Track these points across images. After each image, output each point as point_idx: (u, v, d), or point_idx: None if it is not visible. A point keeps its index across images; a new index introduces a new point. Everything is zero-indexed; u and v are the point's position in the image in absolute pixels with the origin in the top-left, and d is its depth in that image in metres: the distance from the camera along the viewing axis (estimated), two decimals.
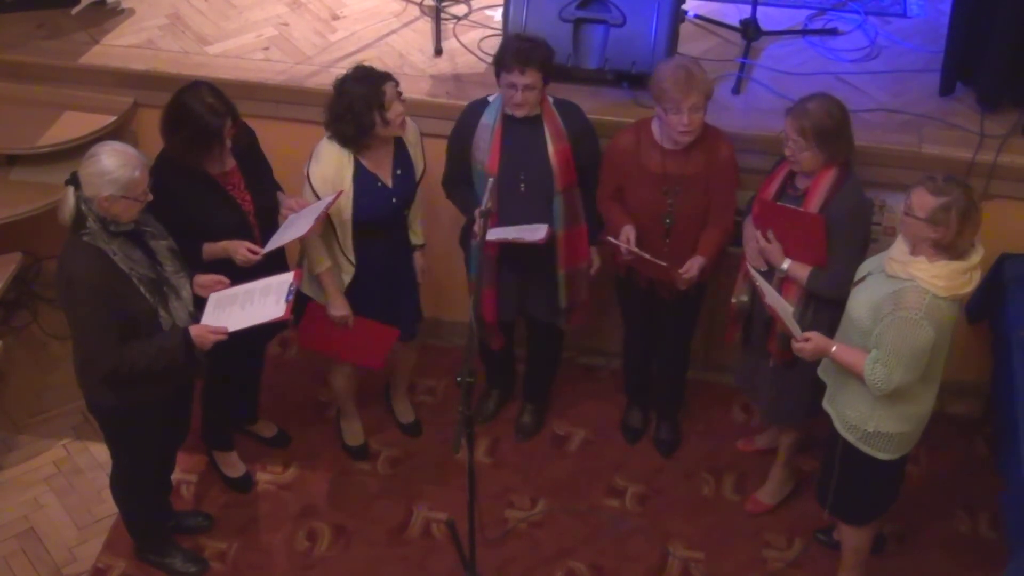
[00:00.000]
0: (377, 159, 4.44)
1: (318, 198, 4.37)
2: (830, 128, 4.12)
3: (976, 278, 3.88)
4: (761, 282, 4.17)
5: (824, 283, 4.21)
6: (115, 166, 3.81)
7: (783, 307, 4.11)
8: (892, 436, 4.05)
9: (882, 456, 4.09)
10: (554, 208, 4.53)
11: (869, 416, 4.03)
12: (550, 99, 4.49)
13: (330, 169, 4.39)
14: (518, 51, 4.33)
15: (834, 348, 4.00)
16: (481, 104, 4.53)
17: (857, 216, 4.23)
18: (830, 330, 4.11)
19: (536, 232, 4.41)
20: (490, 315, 4.76)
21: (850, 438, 4.10)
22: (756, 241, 4.31)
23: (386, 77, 4.33)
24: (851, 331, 4.02)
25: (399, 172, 4.48)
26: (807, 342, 4.01)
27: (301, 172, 4.45)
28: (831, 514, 4.36)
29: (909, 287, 3.82)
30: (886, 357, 3.85)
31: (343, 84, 4.33)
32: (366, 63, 4.45)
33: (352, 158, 4.40)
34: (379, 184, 4.45)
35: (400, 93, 4.35)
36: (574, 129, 4.50)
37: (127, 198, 3.84)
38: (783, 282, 4.28)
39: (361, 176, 4.41)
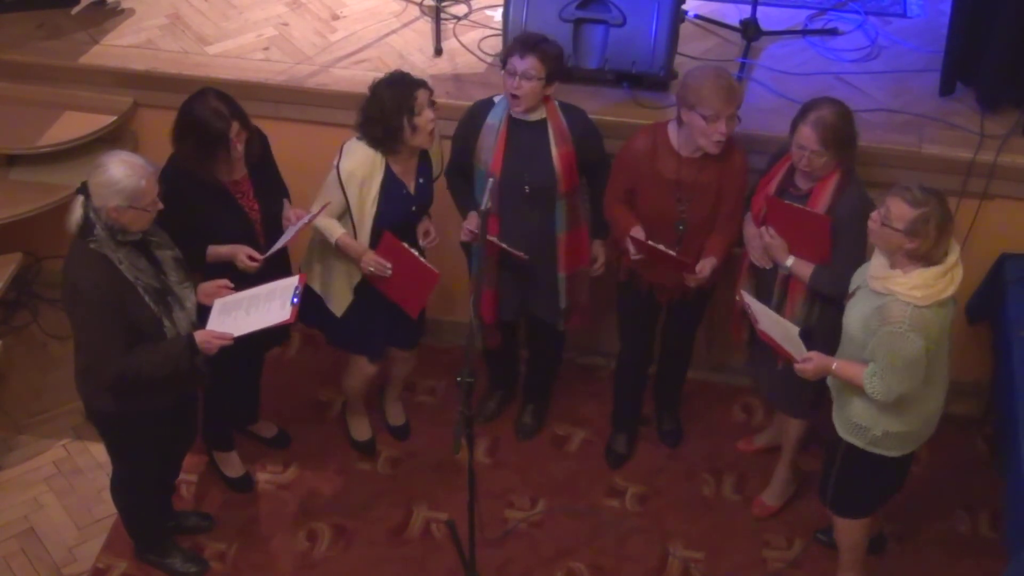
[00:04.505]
0: (405, 167, 4.44)
1: (344, 193, 4.36)
2: (848, 134, 4.13)
3: (957, 276, 3.85)
4: (756, 307, 4.18)
5: (826, 281, 4.21)
6: (122, 176, 3.79)
7: (781, 330, 4.10)
8: (901, 434, 4.06)
9: (892, 454, 4.09)
10: (556, 211, 4.52)
11: (876, 421, 4.03)
12: (556, 102, 4.48)
13: (363, 168, 4.37)
14: (523, 38, 4.36)
15: (834, 365, 4.00)
16: (487, 104, 4.52)
17: (861, 217, 4.18)
18: (836, 329, 4.10)
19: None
20: (489, 315, 4.76)
21: (858, 443, 4.08)
22: (760, 239, 4.31)
23: (420, 84, 4.32)
24: (848, 345, 4.03)
25: (421, 181, 4.50)
26: (808, 362, 4.02)
27: (308, 171, 4.44)
28: (830, 509, 4.35)
29: (891, 301, 3.82)
30: (882, 371, 3.87)
31: (377, 86, 4.32)
32: (364, 62, 4.43)
33: (384, 162, 4.39)
34: (404, 191, 4.45)
35: (434, 102, 4.34)
36: (578, 132, 4.48)
37: (135, 208, 3.82)
38: (788, 279, 4.29)
39: (390, 182, 4.41)
